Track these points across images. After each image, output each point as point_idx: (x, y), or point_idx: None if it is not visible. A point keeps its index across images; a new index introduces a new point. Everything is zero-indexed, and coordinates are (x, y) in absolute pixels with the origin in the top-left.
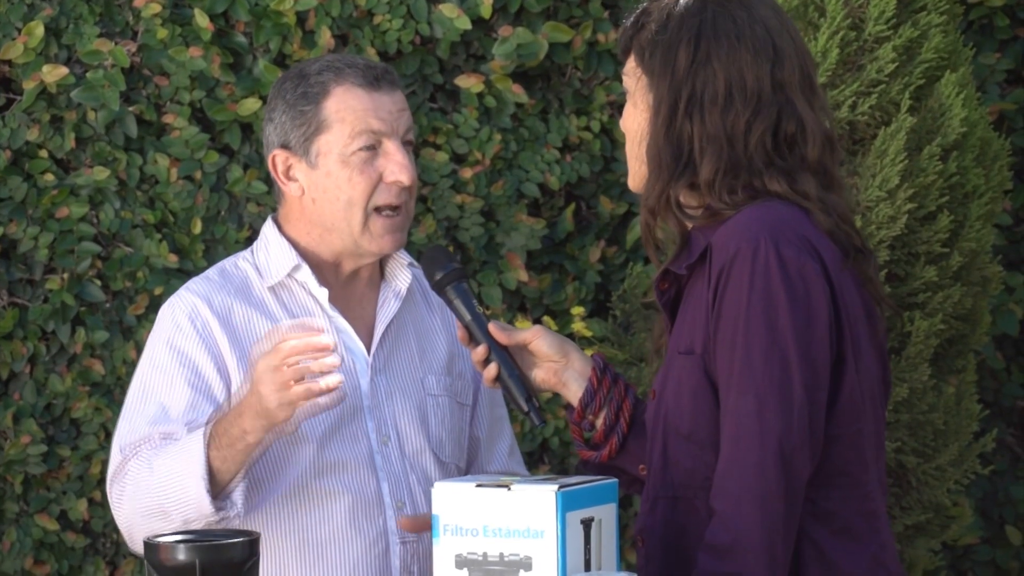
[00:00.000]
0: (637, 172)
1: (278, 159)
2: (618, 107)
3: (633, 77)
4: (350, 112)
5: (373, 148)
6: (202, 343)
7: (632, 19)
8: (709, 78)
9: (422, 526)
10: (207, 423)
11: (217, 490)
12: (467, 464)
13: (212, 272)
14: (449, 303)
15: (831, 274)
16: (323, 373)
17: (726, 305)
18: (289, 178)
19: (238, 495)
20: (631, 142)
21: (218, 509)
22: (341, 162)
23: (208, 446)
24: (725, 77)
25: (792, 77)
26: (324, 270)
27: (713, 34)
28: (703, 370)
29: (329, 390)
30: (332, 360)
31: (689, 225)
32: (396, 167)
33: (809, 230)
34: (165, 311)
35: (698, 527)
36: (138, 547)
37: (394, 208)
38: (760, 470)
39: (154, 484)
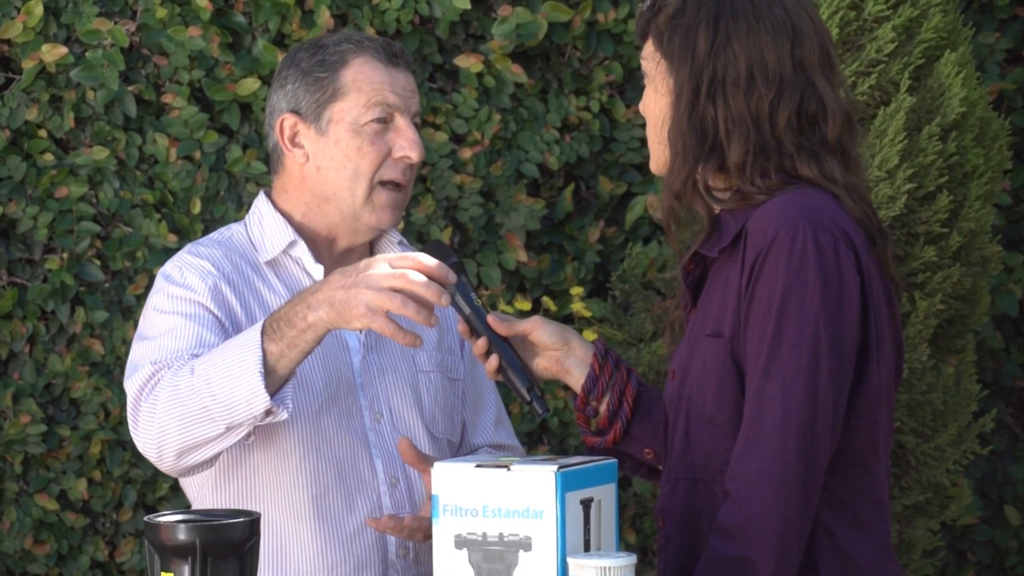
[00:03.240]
0: (660, 156)
1: (286, 123)
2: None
3: (652, 61)
4: (367, 83)
5: (385, 122)
6: (211, 295)
7: (649, 2)
8: (730, 60)
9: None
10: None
11: (271, 388)
12: (458, 439)
13: (213, 237)
14: (448, 297)
15: (862, 263)
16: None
17: (760, 289)
18: (294, 144)
19: (289, 393)
20: (652, 126)
21: (269, 410)
22: (353, 131)
23: (263, 336)
24: (746, 59)
25: (812, 56)
26: (318, 246)
27: (732, 16)
28: (730, 353)
29: (426, 321)
30: (444, 299)
31: (717, 209)
32: (407, 143)
33: (842, 217)
34: (172, 272)
35: (715, 510)
36: (167, 466)
37: (397, 185)
38: (780, 455)
39: (198, 384)
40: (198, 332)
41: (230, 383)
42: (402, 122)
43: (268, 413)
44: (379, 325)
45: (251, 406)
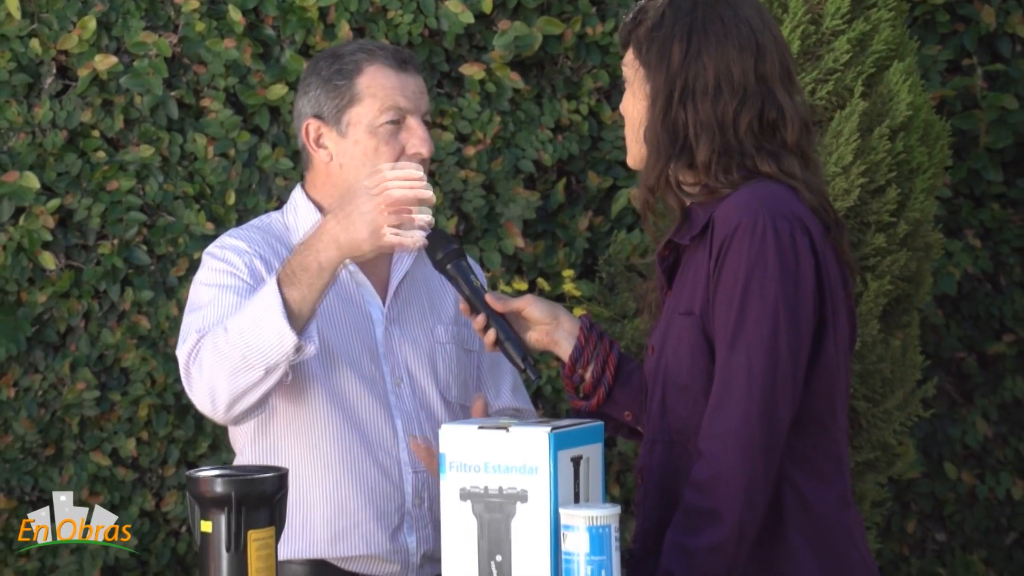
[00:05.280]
0: (636, 152)
1: (310, 127)
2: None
3: (632, 68)
4: (380, 88)
5: (397, 123)
6: (248, 269)
7: (631, 16)
8: (700, 71)
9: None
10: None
11: (296, 327)
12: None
13: (252, 223)
14: (450, 279)
15: (817, 247)
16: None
17: (725, 272)
18: (319, 145)
19: (313, 329)
20: (630, 126)
21: (298, 346)
22: (369, 132)
23: (280, 285)
24: (714, 70)
25: (773, 70)
26: None
27: (703, 31)
28: (701, 329)
29: (423, 224)
30: (428, 194)
31: (687, 202)
32: (418, 141)
33: (798, 207)
34: (214, 251)
35: (690, 468)
36: (220, 415)
37: None
38: (745, 417)
39: (233, 339)
40: (236, 301)
41: (259, 331)
42: (413, 122)
43: (298, 350)
44: (386, 242)
45: (282, 346)
